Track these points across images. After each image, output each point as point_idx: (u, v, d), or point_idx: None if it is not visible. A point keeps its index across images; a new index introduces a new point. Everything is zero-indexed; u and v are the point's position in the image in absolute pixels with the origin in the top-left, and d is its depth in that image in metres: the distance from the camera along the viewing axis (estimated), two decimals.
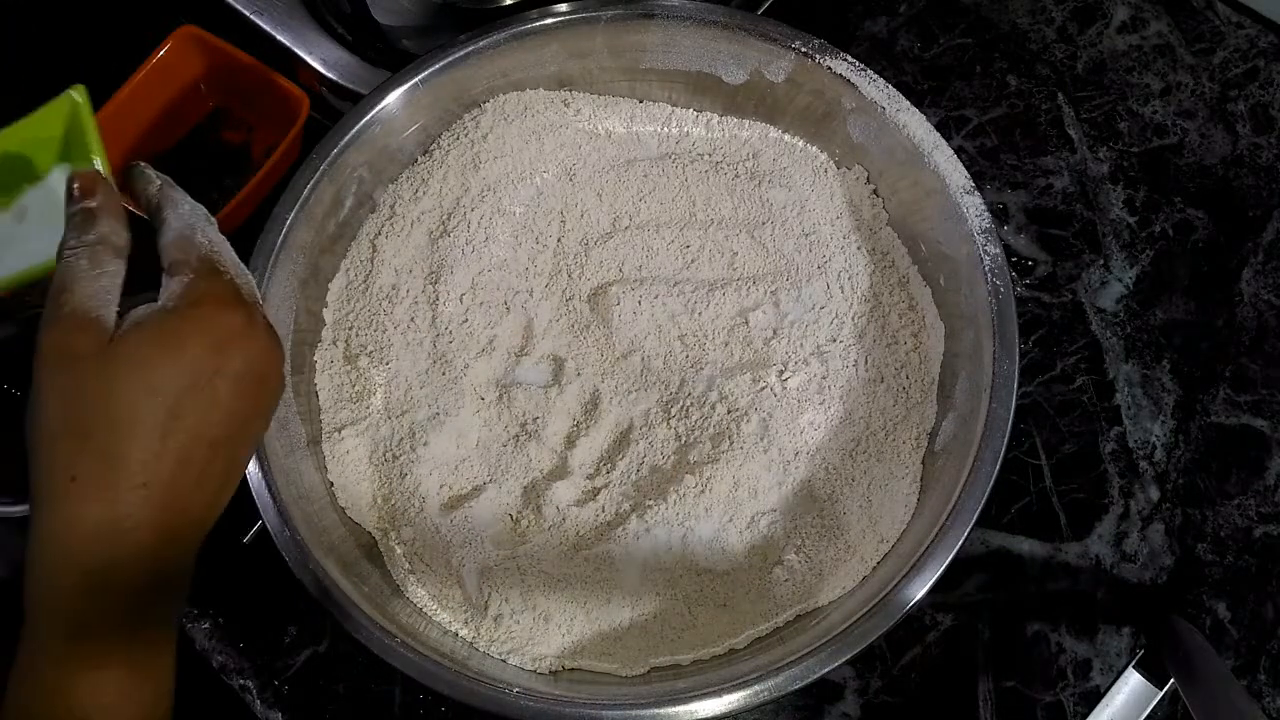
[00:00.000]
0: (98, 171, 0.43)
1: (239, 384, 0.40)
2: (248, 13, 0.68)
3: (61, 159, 0.50)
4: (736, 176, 0.66)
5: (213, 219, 0.45)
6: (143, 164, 0.46)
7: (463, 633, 0.57)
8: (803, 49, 0.62)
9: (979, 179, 0.62)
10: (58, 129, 0.50)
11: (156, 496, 0.37)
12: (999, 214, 0.73)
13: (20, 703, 0.37)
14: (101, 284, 0.39)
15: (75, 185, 0.41)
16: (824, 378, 0.61)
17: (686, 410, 0.60)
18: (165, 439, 0.37)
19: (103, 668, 0.37)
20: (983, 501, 0.54)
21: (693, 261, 0.64)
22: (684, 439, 0.60)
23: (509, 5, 0.67)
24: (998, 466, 0.54)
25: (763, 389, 0.60)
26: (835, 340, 0.62)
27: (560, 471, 0.60)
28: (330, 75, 0.68)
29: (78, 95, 0.49)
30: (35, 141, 0.50)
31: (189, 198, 0.45)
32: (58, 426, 0.37)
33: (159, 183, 0.44)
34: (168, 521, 0.38)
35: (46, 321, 0.39)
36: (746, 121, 0.68)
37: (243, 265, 0.44)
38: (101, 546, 0.36)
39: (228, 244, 0.44)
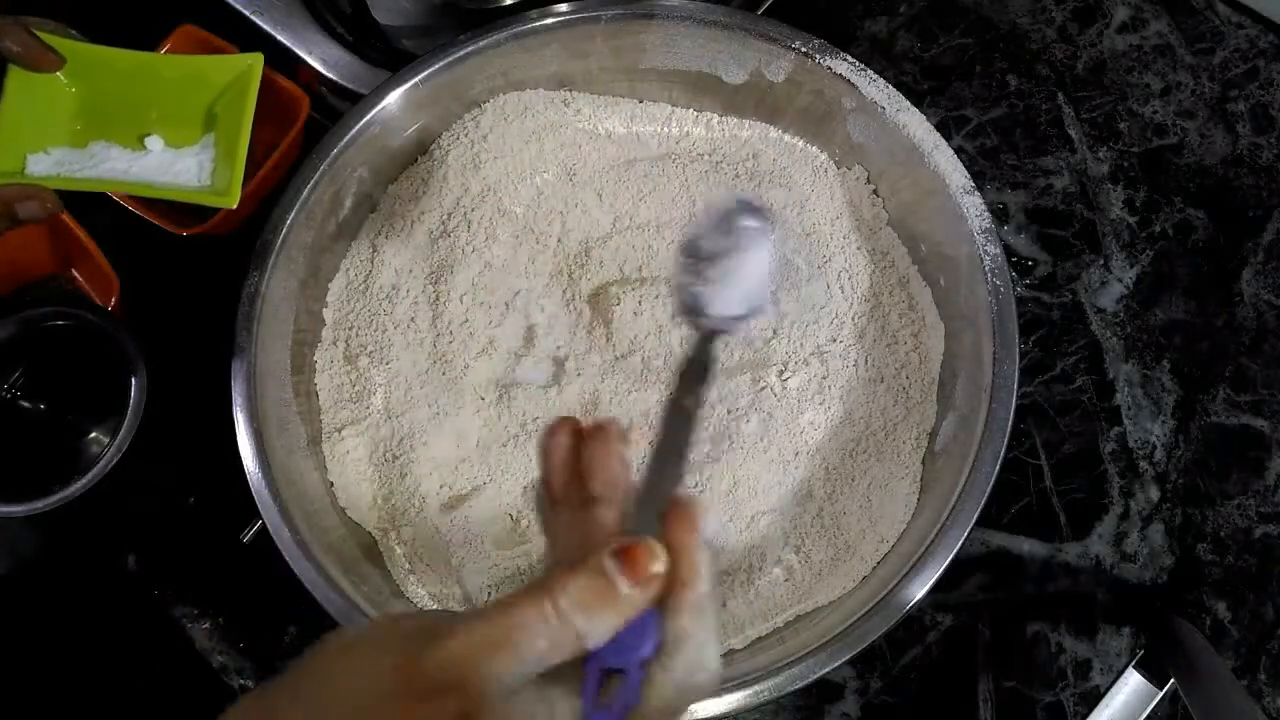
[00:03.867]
0: (658, 546, 0.32)
1: None
2: (248, 13, 0.68)
3: (208, 125, 0.53)
4: (736, 176, 0.66)
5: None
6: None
7: None
8: (803, 49, 0.62)
9: (979, 179, 0.62)
10: (224, 78, 0.53)
11: None
12: (999, 214, 0.73)
13: None
14: (522, 674, 0.30)
15: (632, 558, 0.31)
16: (824, 378, 0.61)
17: None
18: None
19: None
20: (983, 501, 0.54)
21: None
22: None
23: (509, 5, 0.67)
24: (998, 466, 0.54)
25: (763, 389, 0.60)
26: (835, 340, 0.62)
27: None
28: (330, 75, 0.68)
29: (254, 62, 0.53)
30: (202, 80, 0.53)
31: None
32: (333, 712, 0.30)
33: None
34: None
35: (436, 650, 0.29)
36: (746, 121, 0.68)
37: None
38: None
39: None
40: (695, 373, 0.37)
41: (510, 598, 0.30)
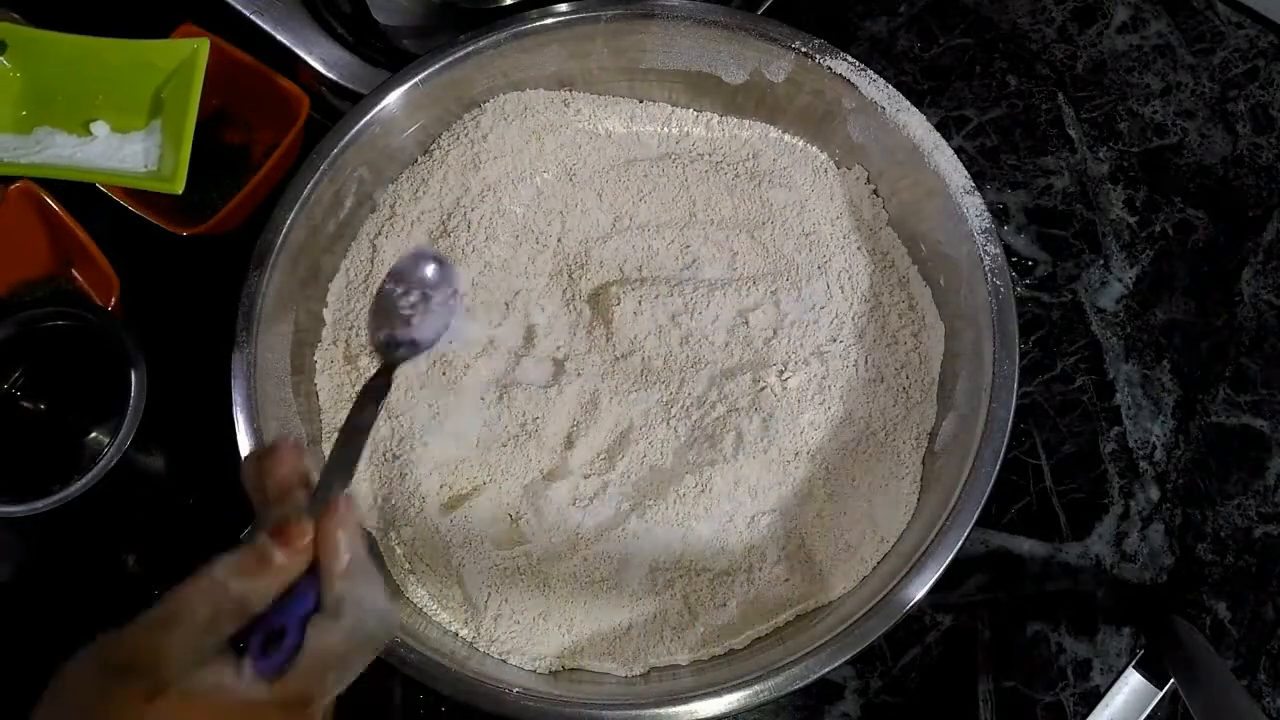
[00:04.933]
0: (309, 533, 0.38)
1: None
2: (248, 13, 0.68)
3: (155, 110, 0.51)
4: (736, 176, 0.66)
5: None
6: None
7: (463, 633, 0.57)
8: (803, 49, 0.62)
9: (979, 179, 0.62)
10: (170, 64, 0.51)
11: None
12: (999, 214, 0.73)
13: None
14: (194, 644, 0.35)
15: (283, 533, 0.37)
16: (824, 378, 0.61)
17: (687, 410, 0.60)
18: None
19: None
20: (983, 501, 0.54)
21: (693, 261, 0.64)
22: (684, 439, 0.60)
23: (509, 5, 0.67)
24: (998, 466, 0.54)
25: (763, 389, 0.60)
26: (835, 340, 0.62)
27: (560, 471, 0.60)
28: (330, 75, 0.68)
29: (199, 45, 0.53)
30: (148, 66, 0.53)
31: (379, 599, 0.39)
32: None
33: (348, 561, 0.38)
34: None
35: (119, 638, 0.35)
36: (746, 121, 0.68)
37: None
38: None
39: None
40: (377, 391, 0.44)
41: (173, 603, 0.35)
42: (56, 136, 0.51)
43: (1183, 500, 0.67)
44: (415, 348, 0.47)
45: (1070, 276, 0.72)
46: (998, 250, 0.58)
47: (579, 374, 0.61)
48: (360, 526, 0.40)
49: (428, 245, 0.49)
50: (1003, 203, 0.74)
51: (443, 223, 0.64)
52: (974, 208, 0.59)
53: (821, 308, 0.63)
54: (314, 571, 0.38)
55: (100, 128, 0.52)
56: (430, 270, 0.47)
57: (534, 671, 0.56)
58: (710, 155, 0.67)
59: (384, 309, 0.47)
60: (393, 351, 0.46)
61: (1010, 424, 0.55)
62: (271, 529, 0.37)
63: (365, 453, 0.61)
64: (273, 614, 0.36)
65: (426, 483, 0.59)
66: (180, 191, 0.49)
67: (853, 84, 0.62)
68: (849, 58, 0.62)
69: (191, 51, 0.52)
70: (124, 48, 0.53)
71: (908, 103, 0.61)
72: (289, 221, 0.58)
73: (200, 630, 0.35)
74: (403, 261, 0.47)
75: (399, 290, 0.47)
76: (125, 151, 0.52)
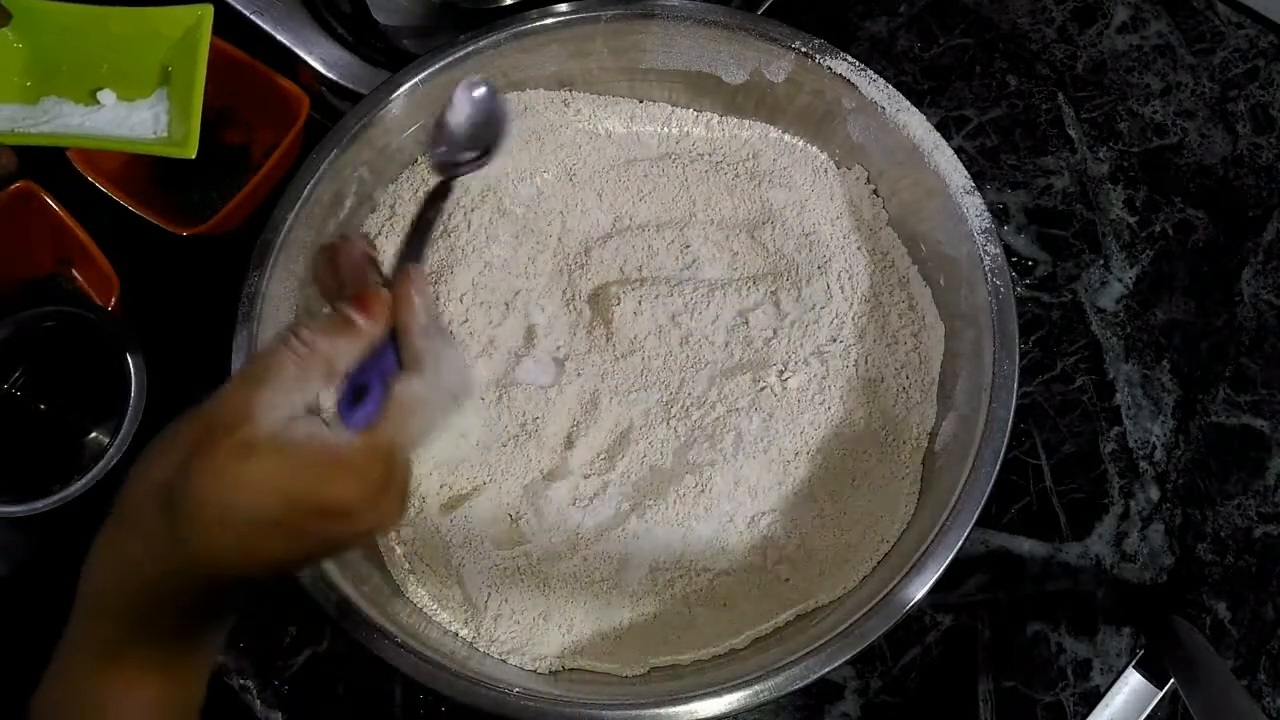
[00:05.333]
0: (388, 297, 0.41)
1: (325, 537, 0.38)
2: (248, 13, 0.68)
3: (162, 79, 0.52)
4: (736, 176, 0.66)
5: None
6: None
7: (463, 633, 0.57)
8: (803, 49, 0.62)
9: (979, 179, 0.62)
10: (176, 32, 0.52)
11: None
12: (999, 214, 0.73)
13: (53, 698, 0.38)
14: (285, 401, 0.37)
15: (362, 299, 0.40)
16: (824, 378, 0.61)
17: (687, 410, 0.60)
18: (233, 539, 0.36)
19: (143, 671, 0.37)
20: (983, 501, 0.54)
21: (693, 262, 0.64)
22: (684, 439, 0.60)
23: (509, 5, 0.67)
24: (998, 466, 0.54)
25: (763, 389, 0.60)
26: (835, 340, 0.62)
27: (560, 471, 0.60)
28: (330, 75, 0.68)
29: (203, 12, 0.53)
30: (153, 34, 0.54)
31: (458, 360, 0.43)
32: (156, 477, 0.36)
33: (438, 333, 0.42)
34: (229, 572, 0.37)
35: (214, 399, 0.37)
36: (746, 121, 0.68)
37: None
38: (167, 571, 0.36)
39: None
40: (440, 192, 0.47)
41: (261, 364, 0.38)
42: (64, 106, 0.52)
43: (1183, 500, 0.67)
44: (463, 166, 0.50)
45: (1070, 276, 0.72)
46: (998, 250, 0.58)
47: (579, 374, 0.61)
48: (432, 302, 0.45)
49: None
50: (1003, 203, 0.74)
51: (443, 223, 0.64)
52: (974, 208, 0.59)
53: (821, 308, 0.63)
54: (394, 339, 0.41)
55: (107, 96, 0.52)
56: (479, 93, 0.50)
57: (534, 671, 0.56)
58: (710, 155, 0.67)
59: (440, 129, 0.50)
60: (447, 168, 0.49)
61: (1010, 424, 0.55)
62: (352, 296, 0.40)
63: None
64: (358, 375, 0.39)
65: (426, 482, 0.59)
66: (193, 156, 0.50)
67: (853, 84, 0.62)
68: (849, 58, 0.62)
69: (196, 19, 0.52)
70: (127, 16, 0.53)
71: (908, 103, 0.61)
72: (289, 221, 0.58)
73: (290, 387, 0.37)
74: (456, 89, 0.50)
75: (451, 112, 0.50)
76: (134, 119, 0.53)
